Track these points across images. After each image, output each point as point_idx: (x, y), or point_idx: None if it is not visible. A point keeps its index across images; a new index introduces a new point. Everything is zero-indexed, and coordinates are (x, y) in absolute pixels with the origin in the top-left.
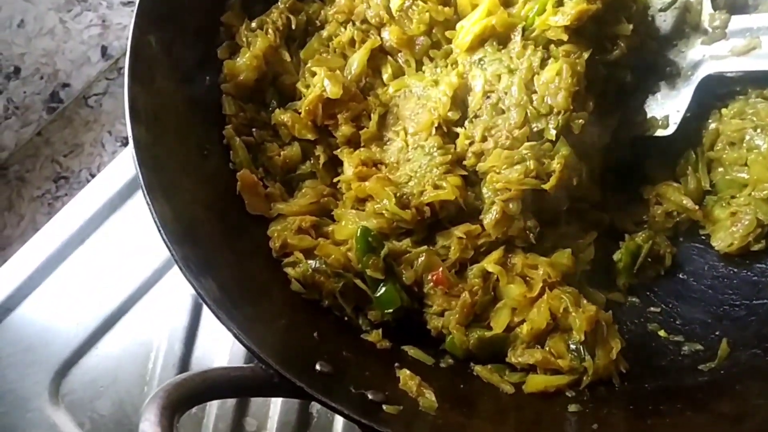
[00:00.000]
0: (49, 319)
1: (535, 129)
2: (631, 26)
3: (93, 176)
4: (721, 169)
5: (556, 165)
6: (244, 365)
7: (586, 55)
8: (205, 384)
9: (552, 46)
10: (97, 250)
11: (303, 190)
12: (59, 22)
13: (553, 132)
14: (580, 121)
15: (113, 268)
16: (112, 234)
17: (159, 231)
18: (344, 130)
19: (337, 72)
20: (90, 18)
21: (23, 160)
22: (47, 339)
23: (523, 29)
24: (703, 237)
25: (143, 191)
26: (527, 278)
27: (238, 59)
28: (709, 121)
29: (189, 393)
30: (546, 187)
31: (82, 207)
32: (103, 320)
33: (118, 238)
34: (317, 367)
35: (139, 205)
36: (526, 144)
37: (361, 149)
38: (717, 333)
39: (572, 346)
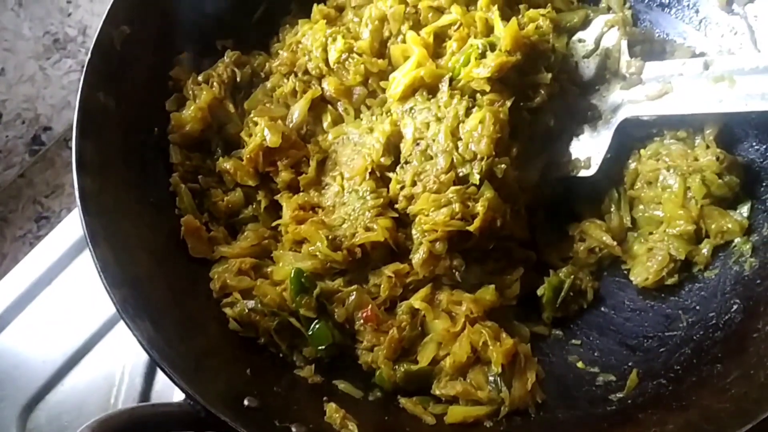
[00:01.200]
0: (17, 356)
1: (460, 174)
2: (550, 75)
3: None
4: (641, 207)
5: (480, 207)
6: (172, 402)
7: (508, 104)
8: (131, 420)
9: (478, 95)
10: (63, 290)
11: (245, 233)
12: (39, 69)
13: (477, 177)
14: (503, 165)
15: (79, 307)
16: (79, 274)
17: (99, 275)
18: (284, 176)
19: (278, 122)
20: (69, 64)
21: (6, 201)
22: (15, 375)
23: (450, 79)
24: (625, 272)
25: (86, 238)
26: (452, 314)
27: (184, 111)
28: (630, 161)
29: (115, 429)
30: (471, 228)
31: (52, 248)
32: (69, 357)
33: (84, 278)
34: (245, 402)
35: None
36: (452, 188)
37: (300, 194)
38: (630, 364)
39: (491, 378)
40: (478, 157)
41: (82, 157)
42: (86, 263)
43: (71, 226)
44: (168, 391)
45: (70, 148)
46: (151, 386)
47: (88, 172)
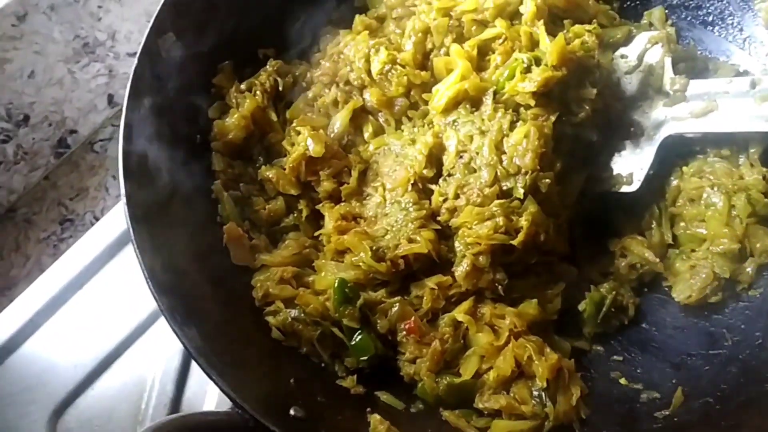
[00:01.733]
0: (48, 359)
1: (504, 188)
2: (595, 90)
3: (97, 219)
4: (682, 224)
5: (524, 222)
6: (221, 410)
7: (553, 119)
8: (184, 427)
9: (522, 109)
10: (95, 293)
11: (286, 242)
12: (68, 73)
13: (521, 191)
14: (547, 180)
15: (110, 311)
16: (110, 278)
17: (147, 282)
18: (326, 186)
19: (321, 131)
20: (97, 68)
21: (31, 203)
22: (46, 379)
23: (494, 93)
24: (666, 288)
25: (133, 245)
26: (495, 327)
27: (227, 119)
28: (672, 178)
29: None
30: (514, 242)
31: (83, 253)
32: (100, 361)
33: (115, 282)
34: (291, 411)
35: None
36: (496, 202)
37: (342, 204)
38: (674, 381)
39: (535, 393)
40: (523, 171)
41: (128, 163)
42: (118, 268)
43: (102, 231)
44: (199, 399)
45: (96, 151)
46: (182, 393)
47: (134, 178)
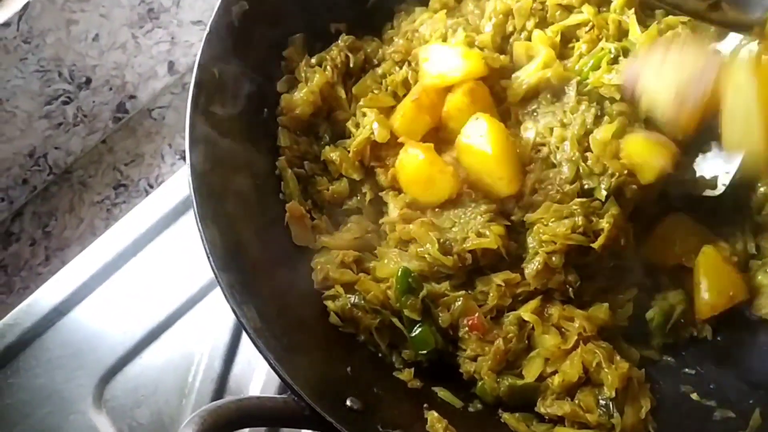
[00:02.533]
0: (98, 325)
1: (585, 186)
2: None
3: (151, 186)
4: (767, 235)
5: (605, 224)
6: (278, 396)
7: (642, 116)
8: (239, 412)
9: (606, 103)
10: (148, 263)
11: (348, 225)
12: (131, 38)
13: (604, 193)
14: (634, 186)
15: (162, 282)
16: (164, 248)
17: (207, 257)
18: (389, 176)
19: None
20: (160, 35)
21: (87, 165)
22: (95, 345)
23: (577, 83)
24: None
25: (196, 218)
26: (563, 330)
27: (295, 94)
28: (759, 185)
29: (224, 420)
30: (594, 245)
31: (138, 220)
32: (149, 331)
33: (168, 252)
34: (348, 402)
35: (191, 222)
36: (576, 200)
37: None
38: (751, 402)
39: (602, 402)
40: (609, 172)
41: (194, 133)
42: (171, 238)
43: (158, 200)
44: (246, 377)
45: (153, 118)
46: (230, 369)
47: (199, 149)
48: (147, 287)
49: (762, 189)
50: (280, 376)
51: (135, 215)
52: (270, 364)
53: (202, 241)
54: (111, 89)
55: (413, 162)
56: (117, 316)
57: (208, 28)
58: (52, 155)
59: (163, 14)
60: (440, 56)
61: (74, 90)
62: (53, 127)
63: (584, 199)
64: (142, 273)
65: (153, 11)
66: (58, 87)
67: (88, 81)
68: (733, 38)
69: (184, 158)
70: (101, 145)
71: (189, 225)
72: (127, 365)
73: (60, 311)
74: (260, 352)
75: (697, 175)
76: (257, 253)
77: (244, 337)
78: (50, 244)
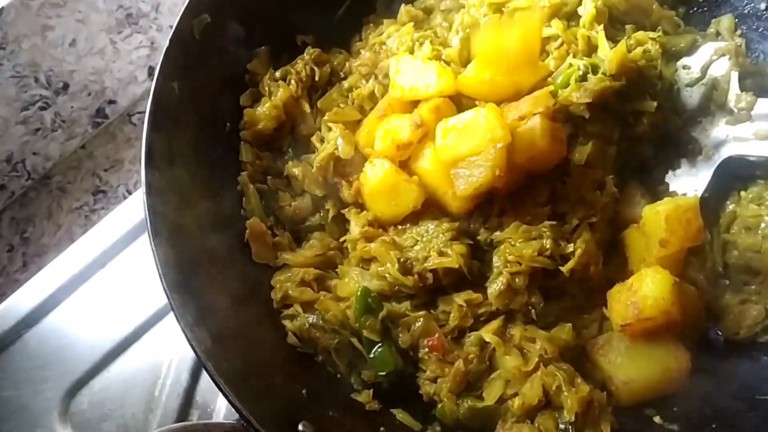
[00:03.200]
0: (67, 336)
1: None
2: (655, 103)
3: (130, 192)
4: (735, 252)
5: (577, 249)
6: (225, 422)
7: (615, 137)
8: None
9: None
10: (116, 274)
11: (311, 242)
12: (110, 43)
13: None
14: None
15: (131, 293)
16: (133, 260)
17: (159, 277)
18: (353, 190)
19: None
20: (139, 39)
21: (66, 171)
22: (63, 357)
23: None
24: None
25: (149, 236)
26: (524, 351)
27: (258, 108)
28: (728, 202)
29: None
30: (563, 269)
31: (113, 226)
32: (117, 344)
33: (138, 264)
34: (300, 427)
35: None
36: (546, 223)
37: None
38: (714, 426)
39: (561, 426)
40: None
41: (151, 150)
42: (142, 249)
43: (130, 209)
44: (212, 393)
45: (133, 123)
46: (197, 383)
47: (156, 166)
48: (115, 299)
49: (731, 206)
50: (228, 400)
51: (109, 222)
52: (219, 388)
53: (155, 260)
54: (90, 94)
55: (379, 172)
56: (86, 327)
57: (167, 42)
58: (31, 161)
59: (142, 19)
60: (413, 70)
61: (51, 95)
62: (31, 133)
63: (555, 222)
64: (111, 284)
65: (132, 16)
66: (35, 92)
67: (66, 86)
68: (704, 54)
69: None
70: (81, 150)
71: None
72: (95, 378)
73: (28, 323)
74: (210, 376)
75: (669, 190)
76: (214, 271)
77: None
78: (28, 251)
